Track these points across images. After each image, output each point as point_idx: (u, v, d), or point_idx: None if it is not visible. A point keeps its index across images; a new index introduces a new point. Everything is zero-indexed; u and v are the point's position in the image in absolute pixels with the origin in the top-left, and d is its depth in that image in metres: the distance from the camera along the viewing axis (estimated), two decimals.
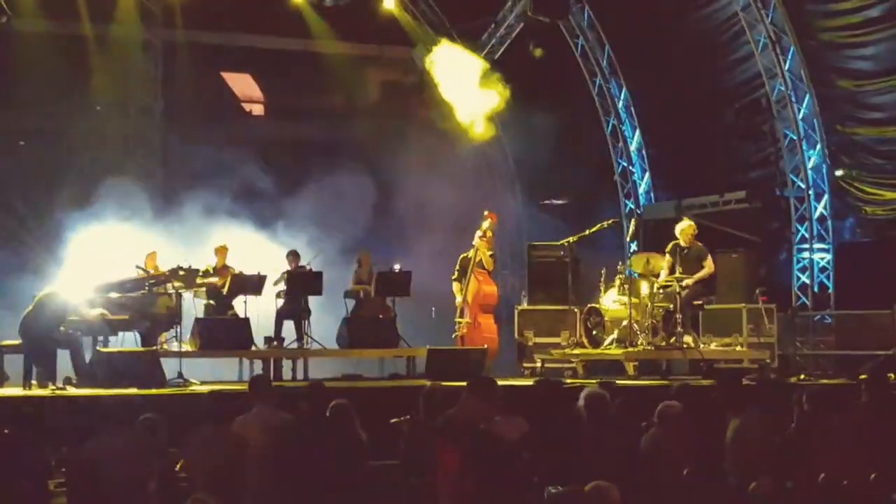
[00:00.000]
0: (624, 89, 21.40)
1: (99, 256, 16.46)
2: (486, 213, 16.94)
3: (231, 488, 6.50)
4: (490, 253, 16.74)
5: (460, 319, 16.74)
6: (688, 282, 15.46)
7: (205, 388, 12.90)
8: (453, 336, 16.80)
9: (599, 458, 7.82)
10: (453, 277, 16.83)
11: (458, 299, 16.74)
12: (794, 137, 18.67)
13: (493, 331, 16.61)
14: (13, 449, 8.60)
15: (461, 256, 16.81)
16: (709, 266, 15.73)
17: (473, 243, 16.67)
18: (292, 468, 7.95)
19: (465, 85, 18.80)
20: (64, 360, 13.78)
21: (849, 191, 18.24)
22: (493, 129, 22.44)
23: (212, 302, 16.27)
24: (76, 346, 14.05)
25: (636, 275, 15.90)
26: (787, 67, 18.48)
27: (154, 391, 12.99)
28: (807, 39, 18.28)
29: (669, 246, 15.81)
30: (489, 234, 16.73)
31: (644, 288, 15.84)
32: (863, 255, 17.94)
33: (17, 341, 13.87)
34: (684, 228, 15.91)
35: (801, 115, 18.56)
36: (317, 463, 7.83)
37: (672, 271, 15.63)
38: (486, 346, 15.97)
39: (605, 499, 6.04)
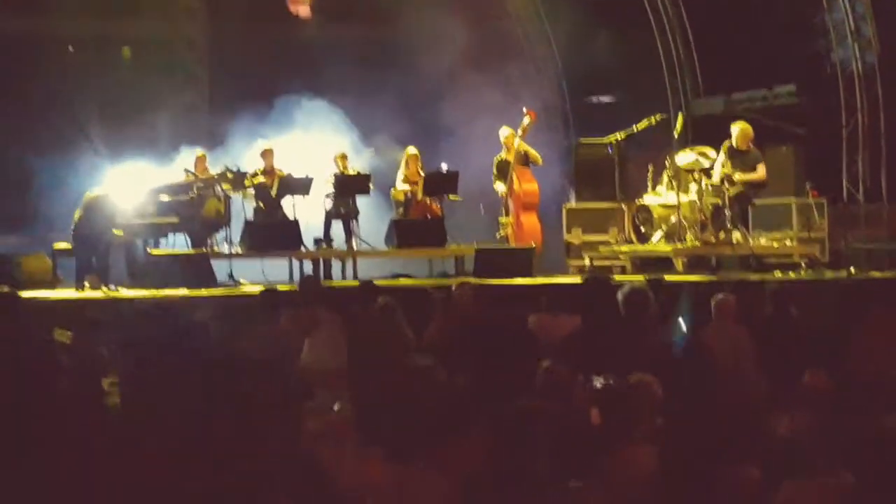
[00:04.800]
0: None
1: (149, 159, 16.62)
2: (525, 109, 16.83)
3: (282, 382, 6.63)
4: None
5: (503, 219, 16.76)
6: (739, 177, 15.32)
7: (256, 289, 13.02)
8: (497, 236, 16.83)
9: (643, 353, 7.85)
10: (494, 179, 16.82)
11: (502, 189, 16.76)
12: (845, 29, 18.37)
13: (537, 229, 16.56)
14: (72, 349, 8.77)
15: (496, 159, 16.77)
16: (761, 172, 15.54)
17: (504, 142, 16.64)
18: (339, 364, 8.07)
19: None
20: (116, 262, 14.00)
21: None
22: (540, 27, 22.43)
23: (261, 204, 16.36)
24: (131, 248, 14.23)
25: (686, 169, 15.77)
26: None
27: (205, 291, 13.16)
28: None
29: (725, 145, 15.60)
30: (527, 131, 16.66)
31: (693, 184, 15.76)
32: None
33: (70, 244, 14.06)
34: (742, 130, 15.57)
35: (851, 7, 18.24)
36: (361, 360, 7.94)
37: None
38: (532, 244, 16.00)
39: (648, 392, 6.10)
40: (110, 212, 14.04)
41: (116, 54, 19.87)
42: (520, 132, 16.58)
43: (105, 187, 14.56)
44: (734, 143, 15.52)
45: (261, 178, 16.25)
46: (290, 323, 9.73)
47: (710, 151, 15.62)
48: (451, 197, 16.62)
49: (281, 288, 11.80)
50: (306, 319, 9.66)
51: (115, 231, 14.10)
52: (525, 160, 16.63)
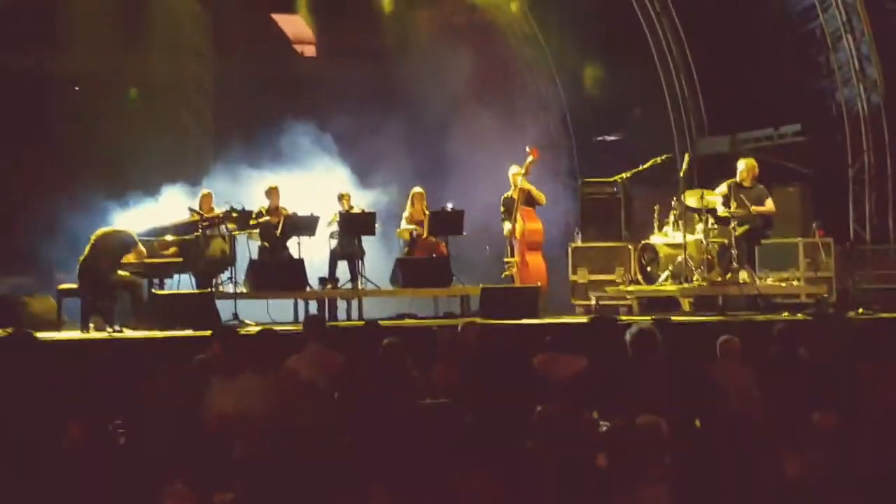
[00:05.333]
0: (676, 22, 21.12)
1: (155, 198, 16.64)
2: (528, 148, 16.78)
3: (281, 425, 6.58)
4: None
5: (509, 259, 16.70)
6: (755, 208, 15.20)
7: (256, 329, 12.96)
8: (503, 276, 16.77)
9: (650, 394, 7.80)
10: (502, 218, 16.77)
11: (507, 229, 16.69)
12: (850, 69, 18.41)
13: (542, 269, 16.43)
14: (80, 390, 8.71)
15: (503, 197, 16.73)
16: (770, 205, 15.42)
17: (511, 181, 16.60)
18: (344, 405, 8.02)
19: None
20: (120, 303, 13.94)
21: None
22: (545, 66, 22.50)
23: (266, 243, 16.31)
24: (137, 288, 14.17)
25: (692, 209, 15.72)
26: None
27: (209, 332, 13.07)
28: None
29: (728, 182, 15.50)
30: (530, 170, 16.59)
31: (699, 223, 15.72)
32: None
33: (75, 285, 14.01)
34: (747, 166, 15.52)
35: (856, 47, 18.28)
36: (368, 400, 7.88)
37: (727, 206, 15.38)
38: (538, 283, 15.94)
39: (655, 433, 6.06)
40: (117, 251, 14.00)
41: (123, 93, 19.89)
42: (523, 171, 16.53)
43: (112, 227, 14.54)
44: (739, 179, 15.44)
45: (266, 218, 16.21)
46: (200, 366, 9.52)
47: (715, 195, 15.56)
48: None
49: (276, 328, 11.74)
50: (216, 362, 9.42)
51: (121, 272, 14.06)
52: (529, 200, 16.57)
